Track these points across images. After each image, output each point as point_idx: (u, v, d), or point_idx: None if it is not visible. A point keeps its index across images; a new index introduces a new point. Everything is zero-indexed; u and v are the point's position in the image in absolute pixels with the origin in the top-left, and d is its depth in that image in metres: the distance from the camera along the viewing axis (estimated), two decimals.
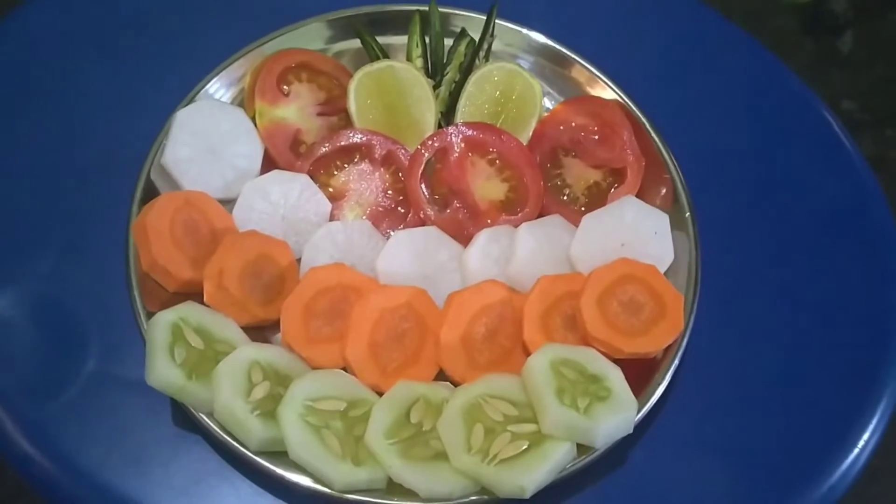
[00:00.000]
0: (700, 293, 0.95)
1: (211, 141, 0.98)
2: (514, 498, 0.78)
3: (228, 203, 0.96)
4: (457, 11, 1.13)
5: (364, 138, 1.00)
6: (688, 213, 1.00)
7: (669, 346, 0.90)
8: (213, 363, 0.83)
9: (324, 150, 0.99)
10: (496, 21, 1.11)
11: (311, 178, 0.97)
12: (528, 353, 0.87)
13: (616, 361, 0.86)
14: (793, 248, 1.07)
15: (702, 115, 1.16)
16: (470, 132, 1.00)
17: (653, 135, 1.05)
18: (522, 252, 0.94)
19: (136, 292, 0.89)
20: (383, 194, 1.00)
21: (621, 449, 0.87)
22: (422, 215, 0.98)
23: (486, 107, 1.06)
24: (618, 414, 0.81)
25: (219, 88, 1.04)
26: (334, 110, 1.05)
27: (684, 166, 1.04)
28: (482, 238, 0.95)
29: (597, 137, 1.05)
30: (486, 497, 0.80)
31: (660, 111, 1.08)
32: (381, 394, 0.85)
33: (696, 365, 0.95)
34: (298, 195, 0.96)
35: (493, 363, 0.88)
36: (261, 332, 0.91)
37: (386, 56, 1.08)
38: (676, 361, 0.90)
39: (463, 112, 1.05)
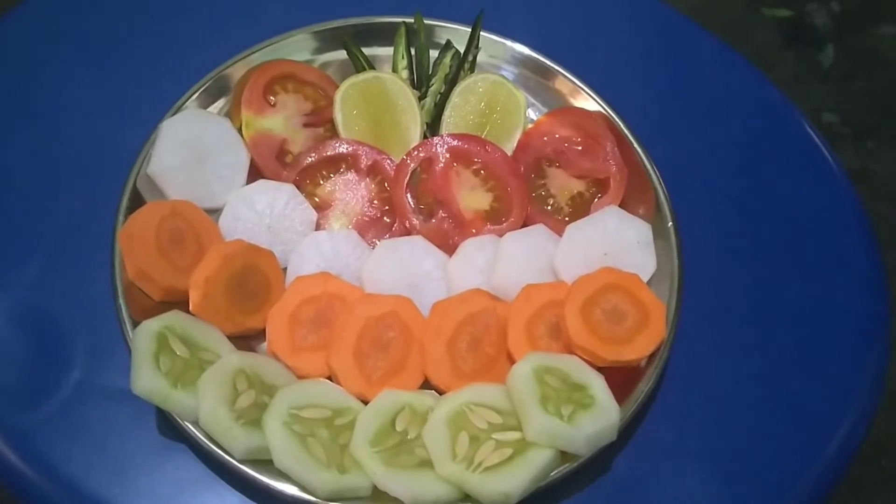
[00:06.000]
0: (682, 302, 0.96)
1: (197, 151, 0.98)
2: None
3: (214, 212, 0.96)
4: (442, 23, 1.14)
5: (350, 148, 1.01)
6: (670, 223, 1.01)
7: (652, 354, 0.90)
8: (199, 372, 0.83)
9: (310, 160, 1.00)
10: (481, 33, 1.12)
11: (297, 187, 0.98)
12: (512, 362, 0.87)
13: (600, 369, 0.87)
14: (774, 258, 1.08)
15: (684, 127, 1.17)
16: (455, 143, 1.01)
17: (636, 146, 1.06)
18: (507, 261, 0.94)
19: (121, 301, 0.89)
20: (369, 204, 1.00)
21: (605, 456, 0.88)
22: (407, 225, 0.98)
23: (470, 118, 1.07)
24: (601, 422, 0.81)
25: (205, 99, 1.05)
26: (320, 121, 1.05)
27: (667, 177, 1.05)
28: (467, 247, 0.96)
29: (580, 148, 1.06)
30: None
31: (643, 123, 1.09)
32: (366, 402, 0.85)
33: (679, 373, 0.95)
34: (284, 205, 0.96)
35: (477, 371, 0.89)
36: (246, 340, 0.91)
37: (372, 67, 1.09)
38: (659, 369, 0.91)
39: (448, 123, 1.06)
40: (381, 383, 0.86)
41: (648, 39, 1.27)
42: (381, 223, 1.00)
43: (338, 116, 1.03)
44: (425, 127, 1.06)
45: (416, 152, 1.00)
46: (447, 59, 1.10)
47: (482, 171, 1.01)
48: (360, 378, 0.86)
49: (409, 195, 0.99)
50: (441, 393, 0.88)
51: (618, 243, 0.97)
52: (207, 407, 0.80)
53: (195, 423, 0.82)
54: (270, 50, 1.08)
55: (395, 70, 1.10)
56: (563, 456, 0.83)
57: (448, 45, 1.12)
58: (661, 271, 0.98)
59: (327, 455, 0.80)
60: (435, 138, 1.01)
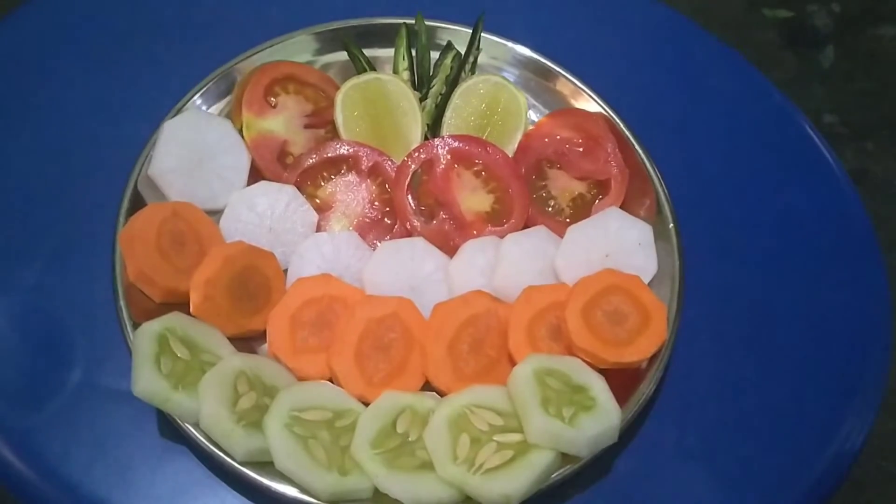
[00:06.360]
0: (683, 303, 0.96)
1: (198, 152, 0.98)
2: None
3: (215, 214, 0.96)
4: (443, 25, 1.14)
5: (351, 150, 1.01)
6: (671, 224, 1.01)
7: (653, 356, 0.90)
8: (200, 374, 0.83)
9: (311, 161, 1.00)
10: (482, 34, 1.12)
11: (298, 189, 0.98)
12: (513, 363, 0.87)
13: (601, 371, 0.87)
14: (775, 259, 1.08)
15: (685, 128, 1.18)
16: (456, 144, 1.01)
17: (636, 147, 1.06)
18: (508, 263, 0.94)
19: (122, 302, 0.89)
20: (370, 205, 1.00)
21: (606, 458, 0.88)
22: (408, 226, 0.98)
23: (472, 119, 1.06)
24: (602, 423, 0.81)
25: (206, 100, 1.05)
26: (321, 122, 1.05)
27: (668, 178, 1.05)
28: (468, 249, 0.96)
29: (581, 150, 1.06)
30: None
31: (643, 124, 1.09)
32: (367, 404, 0.85)
33: (680, 374, 0.95)
34: (285, 206, 0.96)
35: (478, 373, 0.89)
36: (247, 342, 0.91)
37: (373, 68, 1.09)
38: (660, 371, 0.91)
39: (449, 124, 1.06)
40: (382, 385, 0.86)
41: (649, 41, 1.27)
42: (382, 225, 1.00)
43: (339, 118, 1.03)
44: (426, 128, 1.06)
45: (416, 154, 1.00)
46: (448, 61, 1.10)
47: (483, 173, 1.01)
48: (361, 380, 0.86)
49: (409, 197, 0.99)
50: (442, 395, 0.88)
51: (619, 245, 0.97)
52: (208, 409, 0.80)
53: (196, 425, 0.82)
54: (271, 51, 1.08)
55: (395, 71, 1.10)
56: (564, 458, 0.82)
57: (449, 46, 1.12)
58: (662, 273, 0.97)
59: (328, 457, 0.80)
60: (436, 140, 1.01)
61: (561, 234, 0.97)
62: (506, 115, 1.07)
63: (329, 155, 1.00)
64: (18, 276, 0.95)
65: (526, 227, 1.00)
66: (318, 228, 0.98)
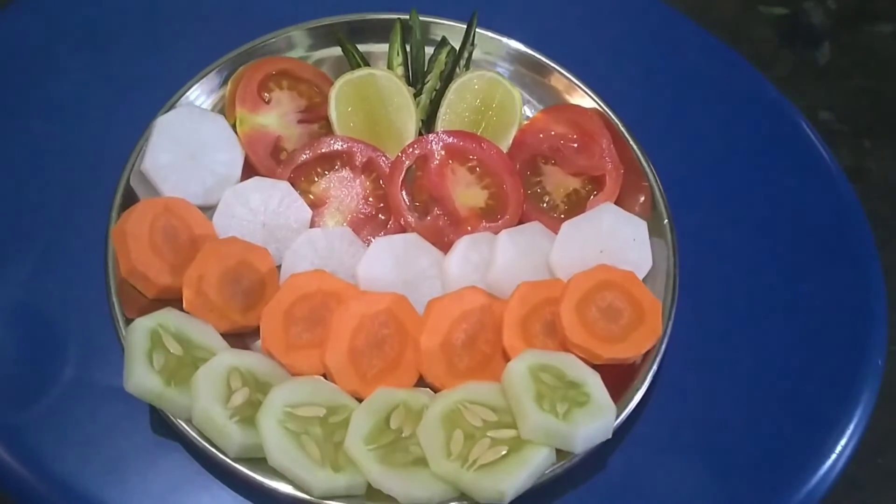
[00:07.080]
0: (678, 299, 0.95)
1: (191, 147, 0.98)
2: (493, 503, 0.78)
3: (208, 210, 0.96)
4: (437, 20, 1.14)
5: (345, 145, 1.00)
6: (666, 220, 1.01)
7: (648, 352, 0.90)
8: (192, 369, 0.83)
9: (304, 157, 0.99)
10: (476, 30, 1.11)
11: (292, 184, 0.98)
12: (507, 359, 0.87)
13: (595, 367, 0.86)
14: (770, 255, 1.08)
15: (680, 124, 1.17)
16: (450, 140, 1.01)
17: (631, 143, 1.06)
18: (502, 259, 0.94)
19: (114, 298, 0.89)
20: (364, 201, 1.00)
21: (600, 454, 0.87)
22: (402, 222, 0.98)
23: (466, 115, 1.06)
24: (596, 419, 0.81)
25: (199, 95, 1.05)
26: (315, 118, 1.05)
27: (662, 174, 1.04)
28: (462, 245, 0.96)
29: (576, 145, 1.05)
30: (465, 503, 0.80)
31: (638, 120, 1.08)
32: (360, 400, 0.85)
33: (675, 370, 0.95)
34: (279, 202, 0.96)
35: (472, 369, 0.88)
36: (240, 338, 0.91)
37: (367, 64, 1.09)
38: (655, 367, 0.91)
39: (443, 120, 1.06)
40: (375, 381, 0.86)
41: (644, 36, 1.27)
42: (376, 220, 1.00)
43: (332, 113, 1.03)
44: (420, 124, 1.06)
45: (411, 149, 1.00)
46: (442, 56, 1.10)
47: (478, 169, 1.01)
48: (355, 376, 0.86)
49: (404, 192, 0.99)
50: (436, 391, 0.87)
51: (613, 241, 0.96)
52: (201, 405, 0.80)
53: (189, 421, 0.82)
54: (265, 47, 1.08)
55: (390, 67, 1.10)
56: (558, 454, 0.82)
57: (443, 41, 1.12)
58: (657, 268, 0.97)
59: (322, 453, 0.80)
60: (430, 135, 1.01)
61: (555, 230, 0.97)
62: (500, 110, 1.07)
63: (323, 151, 1.00)
64: (10, 272, 0.94)
65: (520, 222, 1.00)
66: (312, 224, 0.98)
